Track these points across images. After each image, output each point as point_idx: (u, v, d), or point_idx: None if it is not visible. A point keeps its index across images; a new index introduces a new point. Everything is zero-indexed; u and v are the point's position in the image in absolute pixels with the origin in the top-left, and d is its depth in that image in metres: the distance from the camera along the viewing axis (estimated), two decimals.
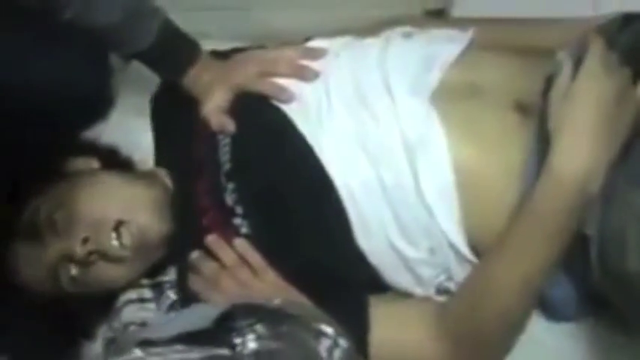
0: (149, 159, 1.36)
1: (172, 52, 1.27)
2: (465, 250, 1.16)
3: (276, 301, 0.99)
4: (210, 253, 1.19)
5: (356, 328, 1.11)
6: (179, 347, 0.91)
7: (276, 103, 1.26)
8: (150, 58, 1.27)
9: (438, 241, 1.16)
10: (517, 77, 1.19)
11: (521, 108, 1.16)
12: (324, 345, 0.94)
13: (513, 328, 1.14)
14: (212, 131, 1.26)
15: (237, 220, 1.19)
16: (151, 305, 1.21)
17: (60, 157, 1.28)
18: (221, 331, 0.92)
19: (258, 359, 0.90)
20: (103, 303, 1.23)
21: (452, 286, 1.19)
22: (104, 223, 1.17)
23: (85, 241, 1.16)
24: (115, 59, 1.43)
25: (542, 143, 1.11)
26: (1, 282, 1.19)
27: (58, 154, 1.29)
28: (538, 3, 1.43)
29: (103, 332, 1.22)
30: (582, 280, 1.14)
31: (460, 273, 1.18)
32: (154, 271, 1.24)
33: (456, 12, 1.51)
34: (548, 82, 1.13)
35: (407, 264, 1.18)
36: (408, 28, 1.30)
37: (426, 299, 1.20)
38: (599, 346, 1.20)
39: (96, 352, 1.22)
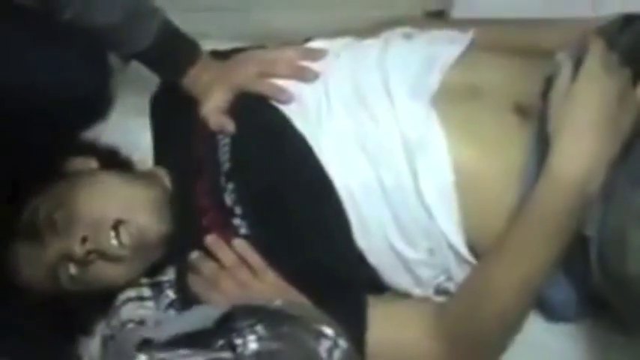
0: (148, 159, 1.36)
1: (172, 53, 1.27)
2: (464, 250, 1.16)
3: (277, 302, 0.99)
4: (209, 254, 1.19)
5: (354, 328, 1.11)
6: (183, 352, 0.91)
7: (275, 103, 1.26)
8: (149, 59, 1.27)
9: (437, 242, 1.16)
10: (517, 79, 1.19)
11: (521, 109, 1.17)
12: (324, 346, 0.94)
13: (511, 328, 1.14)
14: (211, 131, 1.26)
15: (237, 221, 1.19)
16: (150, 304, 1.21)
17: (59, 157, 1.28)
18: (221, 331, 0.92)
19: None
20: (101, 301, 1.23)
21: (451, 286, 1.19)
22: (103, 223, 1.17)
23: (84, 240, 1.16)
24: (114, 59, 1.42)
25: (542, 144, 1.11)
26: (1, 281, 1.19)
27: (58, 154, 1.29)
28: (538, 4, 1.43)
29: (101, 329, 1.22)
30: (582, 282, 1.14)
31: (459, 274, 1.18)
32: (153, 270, 1.24)
33: (456, 13, 1.51)
34: (548, 83, 1.13)
35: (406, 265, 1.18)
36: (408, 29, 1.30)
37: (425, 299, 1.20)
38: (597, 346, 1.20)
39: (94, 348, 1.22)
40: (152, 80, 1.36)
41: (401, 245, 1.17)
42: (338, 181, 1.18)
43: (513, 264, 1.10)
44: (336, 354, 0.94)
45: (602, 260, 1.06)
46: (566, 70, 1.11)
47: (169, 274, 1.23)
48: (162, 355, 0.92)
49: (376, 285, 1.20)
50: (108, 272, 1.19)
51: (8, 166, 1.23)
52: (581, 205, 1.07)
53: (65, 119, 1.34)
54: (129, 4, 1.22)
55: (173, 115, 1.36)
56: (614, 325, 1.17)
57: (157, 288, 1.22)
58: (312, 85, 1.26)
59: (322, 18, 1.46)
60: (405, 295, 1.21)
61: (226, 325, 0.92)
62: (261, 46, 1.37)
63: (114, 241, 1.17)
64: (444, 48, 1.24)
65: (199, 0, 1.48)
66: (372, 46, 1.27)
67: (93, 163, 1.29)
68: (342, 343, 0.95)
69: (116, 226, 1.18)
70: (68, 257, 1.17)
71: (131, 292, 1.22)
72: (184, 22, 1.28)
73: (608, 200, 1.06)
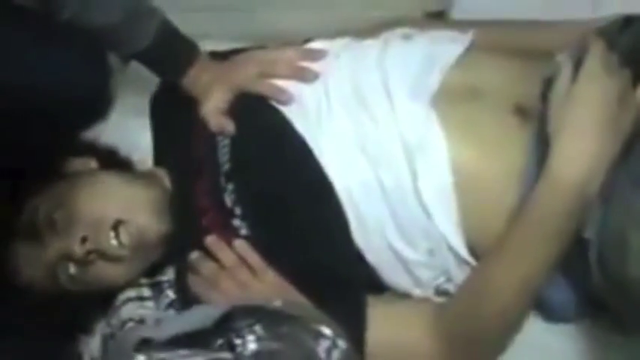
0: (148, 159, 1.36)
1: (171, 53, 1.27)
2: (464, 252, 1.16)
3: (276, 303, 0.99)
4: (209, 254, 1.19)
5: (354, 327, 1.11)
6: (182, 352, 0.91)
7: (275, 104, 1.26)
8: (148, 59, 1.27)
9: (436, 243, 1.16)
10: (517, 80, 1.19)
11: (521, 111, 1.17)
12: (322, 346, 0.94)
13: (510, 329, 1.14)
14: (211, 132, 1.26)
15: (236, 221, 1.19)
16: (150, 304, 1.21)
17: (59, 157, 1.28)
18: (220, 331, 0.92)
19: None
20: (101, 301, 1.23)
21: (451, 287, 1.19)
22: (103, 223, 1.17)
23: (84, 240, 1.16)
24: (114, 60, 1.42)
25: (542, 146, 1.11)
26: (1, 281, 1.19)
27: (58, 154, 1.29)
28: (538, 5, 1.43)
29: (101, 328, 1.22)
30: (581, 283, 1.14)
31: (459, 275, 1.18)
32: (153, 270, 1.24)
33: (456, 14, 1.51)
34: (548, 84, 1.13)
35: (406, 265, 1.18)
36: (407, 30, 1.30)
37: (425, 300, 1.20)
38: (596, 346, 1.20)
39: (94, 347, 1.22)
40: (152, 80, 1.36)
41: (400, 245, 1.17)
42: (337, 181, 1.18)
43: (513, 264, 1.10)
44: (335, 354, 0.94)
45: (602, 262, 1.06)
46: (566, 71, 1.11)
47: (169, 274, 1.23)
48: (161, 355, 0.92)
49: (376, 285, 1.21)
50: (108, 272, 1.19)
51: (8, 165, 1.23)
52: (580, 206, 1.07)
53: (65, 119, 1.34)
54: (128, 4, 1.22)
55: (173, 115, 1.35)
56: (612, 325, 1.17)
57: (157, 288, 1.22)
58: (312, 86, 1.26)
59: (322, 18, 1.46)
60: (404, 296, 1.21)
61: (225, 325, 0.92)
62: (261, 47, 1.36)
63: (114, 241, 1.18)
64: (444, 48, 1.24)
65: (199, 0, 1.48)
66: (371, 46, 1.27)
67: (93, 163, 1.29)
68: (341, 343, 0.95)
69: (116, 226, 1.18)
70: (68, 257, 1.17)
71: (131, 292, 1.22)
72: (186, 22, 1.28)
73: (608, 202, 1.06)
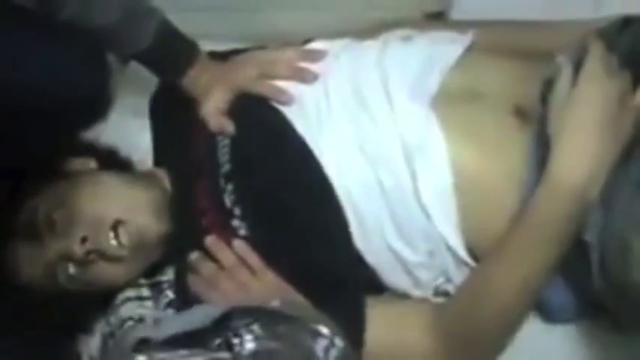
0: (148, 159, 1.36)
1: (171, 53, 1.27)
2: (463, 253, 1.16)
3: (274, 303, 1.00)
4: (209, 254, 1.19)
5: (353, 328, 1.11)
6: (181, 352, 0.91)
7: (275, 104, 1.26)
8: (148, 59, 1.27)
9: (436, 244, 1.16)
10: (517, 81, 1.19)
11: (521, 112, 1.17)
12: (320, 345, 0.94)
13: (509, 329, 1.14)
14: (211, 132, 1.26)
15: (236, 222, 1.19)
16: (149, 303, 1.21)
17: (59, 157, 1.28)
18: (218, 331, 0.92)
19: (256, 359, 0.91)
20: (101, 300, 1.23)
21: (450, 288, 1.19)
22: (103, 223, 1.17)
23: (84, 240, 1.16)
24: (113, 60, 1.42)
25: (542, 147, 1.11)
26: (0, 280, 1.19)
27: (57, 154, 1.29)
28: (538, 5, 1.43)
29: (100, 327, 1.22)
30: (581, 285, 1.14)
31: (458, 276, 1.18)
32: (153, 270, 1.24)
33: (455, 14, 1.51)
34: (548, 85, 1.13)
35: (405, 266, 1.18)
36: (407, 32, 1.30)
37: (424, 300, 1.20)
38: (595, 346, 1.20)
39: (93, 346, 1.22)
40: (151, 81, 1.36)
41: (399, 245, 1.17)
42: (336, 181, 1.18)
43: (513, 266, 1.10)
44: (333, 353, 0.94)
45: (603, 265, 1.07)
46: (566, 73, 1.11)
47: (169, 274, 1.23)
48: (161, 355, 0.92)
49: (375, 285, 1.21)
50: (107, 272, 1.19)
51: (7, 165, 1.23)
52: (581, 209, 1.07)
53: (64, 119, 1.34)
54: (127, 4, 1.22)
55: (173, 115, 1.36)
56: (612, 325, 1.17)
57: (156, 288, 1.23)
58: (312, 86, 1.26)
59: (322, 19, 1.45)
60: (403, 296, 1.21)
61: (223, 325, 0.92)
62: (261, 47, 1.37)
63: (113, 242, 1.18)
64: (443, 49, 1.24)
65: (199, 0, 1.48)
66: (371, 47, 1.27)
67: (92, 164, 1.29)
68: (339, 342, 0.95)
69: (115, 226, 1.18)
70: (67, 257, 1.17)
71: (130, 292, 1.22)
72: (184, 22, 1.28)
73: (609, 205, 1.06)
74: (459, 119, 1.17)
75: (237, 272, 1.18)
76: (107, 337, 1.20)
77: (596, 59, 1.10)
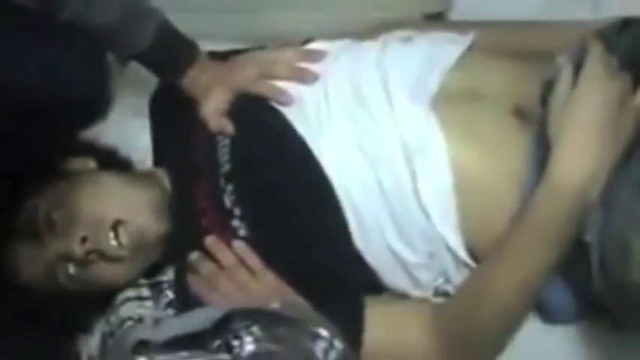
0: (147, 159, 1.36)
1: (170, 54, 1.27)
2: (463, 253, 1.16)
3: (274, 305, 1.00)
4: (209, 254, 1.19)
5: (352, 329, 1.11)
6: (181, 354, 0.91)
7: (275, 105, 1.26)
8: (148, 60, 1.27)
9: (436, 245, 1.17)
10: (517, 81, 1.19)
11: (521, 112, 1.17)
12: (320, 347, 0.95)
13: (509, 329, 1.15)
14: (211, 132, 1.26)
15: (236, 222, 1.19)
16: (149, 303, 1.21)
17: (58, 157, 1.28)
18: (218, 332, 0.93)
19: None
20: (101, 300, 1.23)
21: (449, 288, 1.19)
22: (102, 223, 1.18)
23: (84, 240, 1.16)
24: (113, 60, 1.42)
25: (542, 148, 1.11)
26: (0, 280, 1.19)
27: (57, 153, 1.29)
28: (537, 6, 1.43)
29: (100, 327, 1.22)
30: (581, 286, 1.14)
31: (458, 276, 1.18)
32: (153, 270, 1.24)
33: (455, 15, 1.50)
34: (548, 86, 1.13)
35: (405, 266, 1.18)
36: (407, 33, 1.30)
37: (423, 300, 1.20)
38: (595, 346, 1.21)
39: (93, 345, 1.22)
40: (151, 81, 1.36)
41: (399, 246, 1.17)
42: (336, 182, 1.18)
43: (513, 267, 1.11)
44: (332, 355, 0.94)
45: (603, 266, 1.07)
46: (566, 74, 1.11)
47: (169, 275, 1.23)
48: (161, 357, 0.92)
49: (375, 286, 1.21)
50: (107, 272, 1.19)
51: (7, 165, 1.23)
52: (581, 210, 1.07)
53: (64, 119, 1.34)
54: (127, 4, 1.22)
55: (172, 115, 1.35)
56: (611, 325, 1.17)
57: (156, 288, 1.23)
58: (312, 87, 1.26)
59: (322, 19, 1.45)
60: (403, 296, 1.21)
61: (223, 327, 0.92)
62: (261, 47, 1.37)
63: (113, 242, 1.18)
64: (443, 50, 1.24)
65: (199, 1, 1.48)
66: (370, 47, 1.27)
67: (92, 164, 1.29)
68: (338, 344, 0.95)
69: (115, 226, 1.18)
70: (67, 257, 1.17)
71: (130, 292, 1.22)
72: (184, 22, 1.28)
73: (609, 206, 1.06)
74: (459, 119, 1.17)
75: (237, 272, 1.18)
76: (107, 337, 1.20)
77: (596, 60, 1.10)
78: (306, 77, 1.26)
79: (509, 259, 1.11)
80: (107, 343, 1.18)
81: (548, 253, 1.09)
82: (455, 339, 1.14)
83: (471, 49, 1.25)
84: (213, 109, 1.27)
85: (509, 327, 1.14)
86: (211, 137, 1.26)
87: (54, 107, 1.31)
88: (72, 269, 1.18)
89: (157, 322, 1.13)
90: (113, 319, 1.20)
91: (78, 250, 1.16)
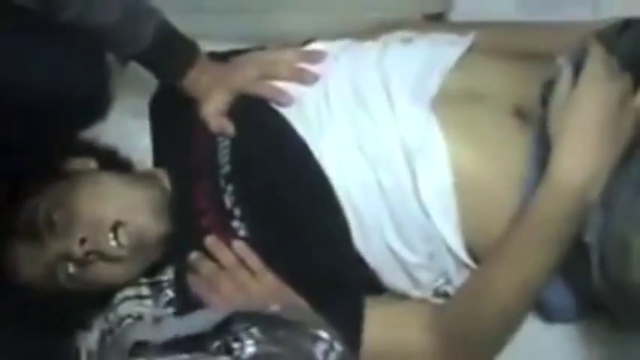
0: (147, 160, 1.36)
1: (170, 54, 1.27)
2: (463, 254, 1.16)
3: (274, 307, 1.00)
4: (209, 254, 1.19)
5: (351, 330, 1.11)
6: (181, 356, 0.91)
7: (275, 106, 1.26)
8: (148, 60, 1.27)
9: (436, 245, 1.17)
10: (517, 82, 1.19)
11: (521, 113, 1.17)
12: (320, 349, 0.95)
13: (509, 329, 1.15)
14: (211, 133, 1.26)
15: (236, 223, 1.20)
16: (149, 302, 1.22)
17: (58, 157, 1.28)
18: (218, 335, 0.93)
19: None
20: (100, 298, 1.23)
21: (450, 289, 1.19)
22: (102, 224, 1.18)
23: (83, 241, 1.16)
24: (113, 60, 1.42)
25: (542, 148, 1.11)
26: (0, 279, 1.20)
27: (57, 153, 1.29)
28: (537, 7, 1.43)
29: (99, 324, 1.22)
30: (581, 286, 1.14)
31: (458, 277, 1.18)
32: (153, 270, 1.24)
33: (455, 16, 1.50)
34: (548, 87, 1.13)
35: (405, 267, 1.18)
36: (407, 33, 1.30)
37: (423, 301, 1.20)
38: (595, 346, 1.21)
39: (92, 342, 1.22)
40: (151, 81, 1.35)
41: (398, 246, 1.17)
42: (336, 182, 1.18)
43: (513, 267, 1.11)
44: (332, 356, 0.95)
45: (603, 266, 1.07)
46: (566, 75, 1.11)
47: (168, 274, 1.23)
48: (160, 359, 0.92)
49: (375, 286, 1.21)
50: (107, 272, 1.19)
51: (7, 165, 1.23)
52: (581, 210, 1.07)
53: (64, 119, 1.33)
54: (127, 4, 1.22)
55: (173, 116, 1.35)
56: (611, 324, 1.17)
57: (156, 287, 1.23)
58: (312, 88, 1.26)
59: (322, 20, 1.45)
60: (403, 297, 1.21)
61: (223, 329, 0.92)
62: (261, 48, 1.37)
63: (113, 242, 1.18)
64: (443, 51, 1.24)
65: (199, 1, 1.48)
66: (371, 48, 1.27)
67: (92, 164, 1.29)
68: (338, 346, 0.96)
69: (115, 226, 1.18)
70: (67, 257, 1.17)
71: (130, 291, 1.22)
72: (184, 22, 1.28)
73: (609, 206, 1.07)
74: (459, 120, 1.17)
75: (237, 273, 1.18)
76: (105, 334, 1.20)
77: (596, 61, 1.10)
78: (306, 78, 1.26)
79: (510, 259, 1.11)
80: (106, 341, 1.19)
81: (548, 253, 1.09)
82: (455, 339, 1.14)
83: (471, 49, 1.25)
84: (214, 109, 1.27)
85: (509, 327, 1.14)
86: (212, 138, 1.26)
87: (54, 107, 1.31)
88: (72, 269, 1.18)
89: (156, 320, 1.14)
90: (112, 317, 1.20)
91: (77, 250, 1.16)
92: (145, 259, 1.22)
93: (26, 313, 1.17)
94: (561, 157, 1.08)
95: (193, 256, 1.20)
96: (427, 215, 1.15)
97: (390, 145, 1.17)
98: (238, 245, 1.18)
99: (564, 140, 1.08)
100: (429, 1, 1.50)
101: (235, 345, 0.90)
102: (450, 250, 1.16)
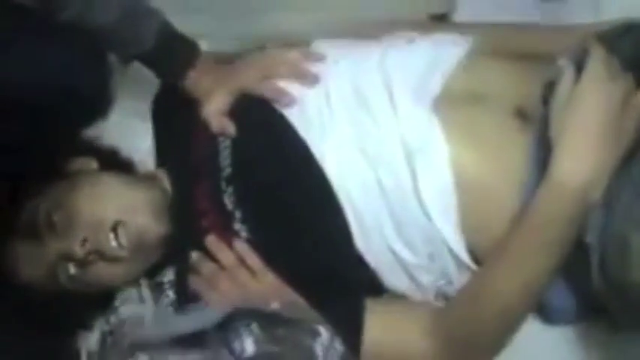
0: (149, 160, 1.36)
1: (171, 55, 1.27)
2: (464, 255, 1.16)
3: (274, 305, 1.00)
4: (209, 255, 1.19)
5: (351, 330, 1.11)
6: (181, 354, 0.91)
7: (276, 106, 1.26)
8: (149, 60, 1.27)
9: (437, 246, 1.16)
10: (518, 83, 1.19)
11: (522, 114, 1.17)
12: (320, 344, 0.95)
13: (510, 330, 1.15)
14: (212, 134, 1.26)
15: (237, 225, 1.20)
16: (150, 303, 1.21)
17: (59, 157, 1.28)
18: (219, 333, 0.93)
19: None
20: (101, 299, 1.23)
21: (450, 290, 1.19)
22: (102, 224, 1.17)
23: (84, 241, 1.17)
24: (115, 60, 1.42)
25: (543, 149, 1.11)
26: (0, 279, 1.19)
27: (58, 153, 1.29)
28: (539, 9, 1.43)
29: (100, 325, 1.22)
30: (581, 287, 1.14)
31: (459, 278, 1.18)
32: (153, 271, 1.23)
33: (458, 17, 1.50)
34: (549, 88, 1.13)
35: (405, 268, 1.18)
36: (409, 34, 1.30)
37: (424, 302, 1.20)
38: (593, 345, 1.21)
39: (92, 342, 1.22)
40: (153, 82, 1.35)
41: (398, 246, 1.17)
42: (336, 183, 1.18)
43: (514, 269, 1.11)
44: (332, 352, 0.95)
45: (603, 266, 1.07)
46: (568, 75, 1.11)
47: (169, 275, 1.23)
48: (161, 356, 0.92)
49: (376, 287, 1.21)
50: (107, 273, 1.19)
51: (8, 165, 1.23)
52: (582, 211, 1.07)
53: (65, 118, 1.34)
54: (127, 4, 1.22)
55: (174, 116, 1.35)
56: (611, 325, 1.17)
57: (157, 288, 1.22)
58: (314, 88, 1.25)
59: (324, 20, 1.45)
60: (403, 298, 1.21)
61: (224, 327, 0.92)
62: (262, 48, 1.36)
63: (113, 243, 1.17)
64: (446, 52, 1.24)
65: (199, 1, 1.48)
66: (373, 49, 1.27)
67: (93, 164, 1.29)
68: (338, 344, 0.96)
69: (115, 227, 1.18)
70: (68, 258, 1.17)
71: (130, 292, 1.22)
72: (184, 23, 1.28)
73: (609, 207, 1.06)
74: (461, 121, 1.17)
75: (238, 273, 1.18)
76: (106, 335, 1.20)
77: (598, 61, 1.10)
78: (308, 78, 1.26)
79: (510, 261, 1.11)
80: (106, 341, 1.18)
81: (549, 254, 1.09)
82: (455, 341, 1.14)
83: (473, 50, 1.25)
84: (215, 110, 1.27)
85: (509, 329, 1.14)
86: (213, 138, 1.26)
87: (55, 106, 1.30)
88: (72, 269, 1.18)
89: (157, 321, 1.14)
90: (113, 319, 1.20)
91: (79, 250, 1.16)
92: (145, 259, 1.22)
93: (27, 313, 1.17)
94: (562, 158, 1.08)
95: (194, 256, 1.20)
96: (428, 216, 1.15)
97: (391, 145, 1.17)
98: (239, 245, 1.18)
99: (565, 141, 1.08)
100: (433, 1, 1.49)
101: (236, 343, 0.90)
102: (450, 250, 1.16)
